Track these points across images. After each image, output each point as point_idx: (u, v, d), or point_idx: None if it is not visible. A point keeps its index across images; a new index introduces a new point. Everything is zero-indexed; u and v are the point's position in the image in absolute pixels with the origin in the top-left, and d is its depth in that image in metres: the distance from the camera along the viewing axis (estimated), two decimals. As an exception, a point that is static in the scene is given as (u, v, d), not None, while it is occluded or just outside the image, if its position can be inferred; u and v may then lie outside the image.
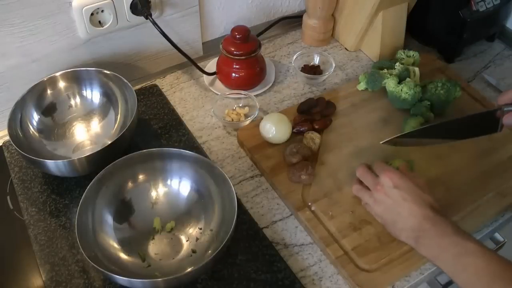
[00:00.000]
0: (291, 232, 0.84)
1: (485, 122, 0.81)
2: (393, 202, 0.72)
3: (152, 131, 0.98)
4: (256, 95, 1.04)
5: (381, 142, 0.85)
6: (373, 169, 0.80)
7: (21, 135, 0.87)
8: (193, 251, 0.78)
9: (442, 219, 0.69)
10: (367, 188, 0.79)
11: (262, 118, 0.94)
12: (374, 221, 0.80)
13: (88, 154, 0.81)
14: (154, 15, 0.98)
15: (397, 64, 1.01)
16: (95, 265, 0.67)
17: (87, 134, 0.95)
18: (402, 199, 0.71)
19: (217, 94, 1.04)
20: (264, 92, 1.06)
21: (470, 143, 0.92)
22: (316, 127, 0.95)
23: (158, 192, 0.84)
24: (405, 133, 0.86)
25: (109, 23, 0.95)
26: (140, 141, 0.94)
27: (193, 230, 0.81)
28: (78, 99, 0.96)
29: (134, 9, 0.95)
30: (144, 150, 0.82)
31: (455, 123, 0.83)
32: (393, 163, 0.85)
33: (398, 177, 0.74)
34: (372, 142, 0.94)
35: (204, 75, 1.07)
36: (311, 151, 0.90)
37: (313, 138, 0.92)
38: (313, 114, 0.97)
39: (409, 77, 0.99)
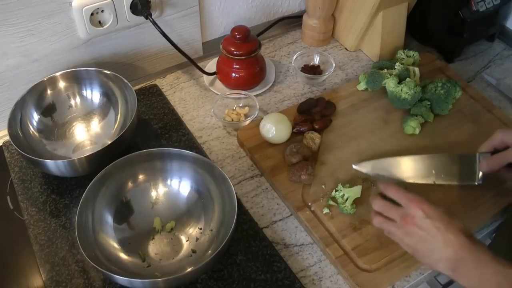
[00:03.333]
0: (291, 232, 0.84)
1: (466, 167, 0.81)
2: (427, 233, 0.68)
3: (152, 131, 0.98)
4: (256, 95, 1.04)
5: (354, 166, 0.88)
6: (389, 196, 0.73)
7: (21, 135, 0.87)
8: (193, 251, 0.78)
9: (478, 246, 0.66)
10: (389, 219, 0.73)
11: (262, 118, 0.94)
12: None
13: (88, 154, 0.81)
14: (154, 15, 0.98)
15: (397, 64, 1.01)
16: (95, 265, 0.67)
17: (87, 134, 0.95)
18: (436, 229, 0.67)
19: (217, 94, 1.04)
20: (264, 92, 1.06)
21: (470, 143, 0.92)
22: (316, 127, 0.95)
23: (158, 192, 0.84)
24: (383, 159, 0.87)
25: (109, 23, 0.95)
26: (140, 141, 0.94)
27: (193, 230, 0.81)
28: (78, 99, 0.96)
29: (134, 9, 0.95)
30: (144, 150, 0.82)
31: (439, 158, 0.84)
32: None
33: (427, 206, 0.69)
34: (372, 142, 0.94)
35: (204, 75, 1.07)
36: (311, 151, 0.90)
37: (313, 138, 0.92)
38: (313, 114, 0.97)
39: (409, 77, 0.99)
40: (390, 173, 0.85)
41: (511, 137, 0.76)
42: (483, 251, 0.65)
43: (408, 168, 0.85)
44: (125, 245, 0.78)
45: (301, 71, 1.08)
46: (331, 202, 0.84)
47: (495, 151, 0.78)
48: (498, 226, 0.86)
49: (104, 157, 0.81)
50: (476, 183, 0.80)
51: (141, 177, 0.83)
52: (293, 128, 0.94)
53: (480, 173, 0.79)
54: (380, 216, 0.74)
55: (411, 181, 0.84)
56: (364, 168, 0.87)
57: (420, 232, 0.68)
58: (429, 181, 0.83)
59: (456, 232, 0.67)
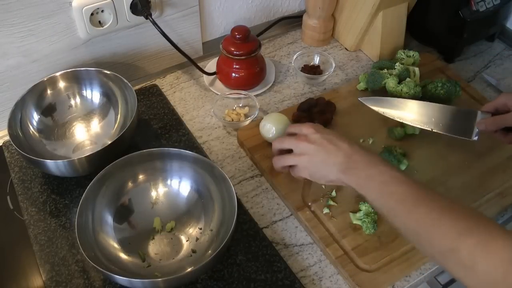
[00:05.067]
0: (291, 232, 0.84)
1: (465, 122, 0.82)
2: (319, 144, 0.73)
3: (152, 131, 0.98)
4: (256, 95, 1.04)
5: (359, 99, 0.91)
6: (287, 131, 0.80)
7: (21, 135, 0.87)
8: (193, 251, 0.78)
9: (369, 152, 0.71)
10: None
11: (262, 118, 0.94)
12: (374, 221, 0.80)
13: (88, 154, 0.81)
14: (154, 15, 0.98)
15: (397, 64, 1.01)
16: (95, 265, 0.67)
17: (87, 134, 0.95)
18: (327, 140, 0.72)
19: (217, 94, 1.04)
20: (264, 92, 1.06)
21: (469, 143, 0.92)
22: (316, 127, 0.94)
23: (158, 192, 0.84)
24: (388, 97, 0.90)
25: (109, 23, 0.95)
26: (140, 141, 0.94)
27: (193, 230, 0.81)
28: (78, 99, 0.96)
29: (134, 9, 0.95)
30: (144, 150, 0.82)
31: (440, 108, 0.85)
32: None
33: (318, 126, 0.75)
34: (372, 142, 0.94)
35: (204, 75, 1.07)
36: (311, 151, 0.90)
37: (313, 138, 0.91)
38: (313, 114, 0.97)
39: (409, 77, 0.99)
40: (392, 110, 0.87)
41: None
42: (374, 155, 0.71)
43: (410, 109, 0.86)
44: (125, 245, 0.78)
45: (301, 71, 1.08)
46: (331, 202, 0.84)
47: (496, 113, 0.79)
48: None
49: (104, 157, 0.81)
50: (472, 139, 0.81)
51: (141, 177, 0.83)
52: (293, 128, 0.94)
53: (477, 131, 0.80)
54: (277, 156, 0.79)
55: (410, 122, 0.86)
56: (369, 102, 0.89)
57: (312, 145, 0.73)
58: (427, 127, 0.85)
59: (347, 141, 0.73)
